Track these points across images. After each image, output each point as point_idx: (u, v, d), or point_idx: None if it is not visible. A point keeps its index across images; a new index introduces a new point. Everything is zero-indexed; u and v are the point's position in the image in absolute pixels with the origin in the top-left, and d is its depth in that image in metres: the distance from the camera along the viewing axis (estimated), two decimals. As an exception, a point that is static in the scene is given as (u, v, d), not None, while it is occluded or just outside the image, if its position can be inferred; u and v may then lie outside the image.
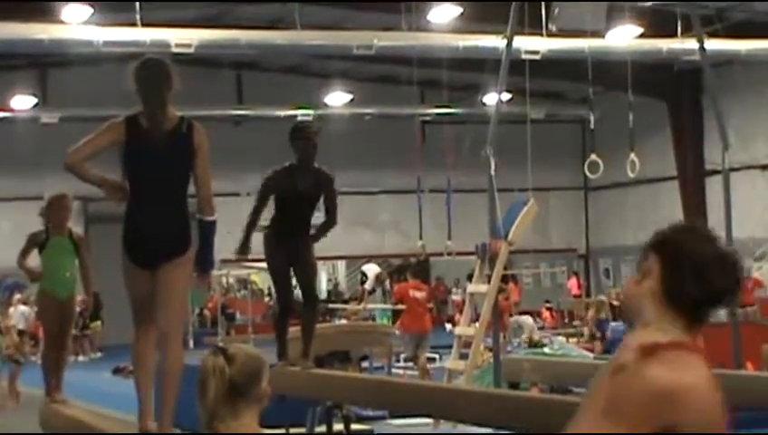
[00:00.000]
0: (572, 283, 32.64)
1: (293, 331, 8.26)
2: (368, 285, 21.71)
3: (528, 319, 21.42)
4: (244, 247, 7.75)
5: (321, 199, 7.89)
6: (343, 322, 19.44)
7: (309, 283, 7.97)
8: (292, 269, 7.88)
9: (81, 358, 23.42)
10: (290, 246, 7.74)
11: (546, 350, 17.07)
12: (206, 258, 5.59)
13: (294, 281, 8.01)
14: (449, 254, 21.47)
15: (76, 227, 21.39)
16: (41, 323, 8.69)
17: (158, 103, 5.39)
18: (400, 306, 16.25)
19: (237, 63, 30.11)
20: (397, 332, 16.14)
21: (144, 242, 5.38)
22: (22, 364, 15.75)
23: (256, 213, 7.84)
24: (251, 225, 7.81)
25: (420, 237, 23.61)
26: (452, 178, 23.35)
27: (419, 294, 15.43)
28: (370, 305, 21.24)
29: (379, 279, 20.26)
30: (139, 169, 5.42)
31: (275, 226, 7.83)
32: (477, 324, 12.68)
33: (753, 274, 23.72)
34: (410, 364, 17.50)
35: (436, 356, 17.70)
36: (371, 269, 24.02)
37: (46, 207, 8.31)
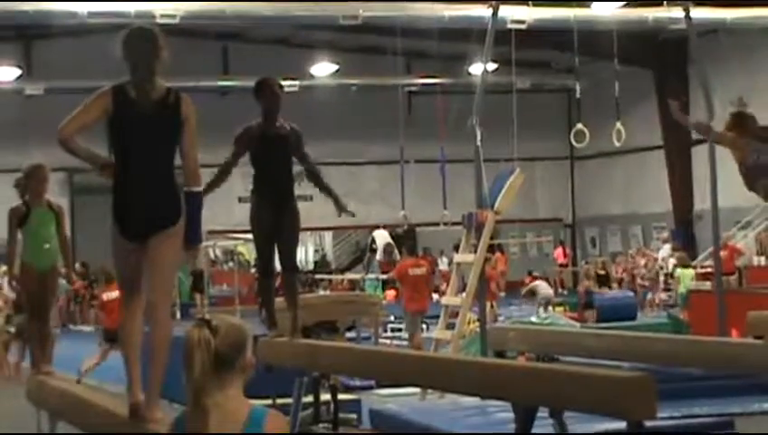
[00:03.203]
0: (558, 252, 32.73)
1: (279, 301, 8.23)
2: (378, 256, 21.59)
3: (543, 284, 21.42)
4: (208, 189, 7.18)
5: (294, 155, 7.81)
6: (324, 292, 19.34)
7: (289, 249, 7.85)
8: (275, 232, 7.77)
9: (86, 328, 23.27)
10: (276, 204, 7.64)
11: (533, 319, 17.15)
12: (195, 231, 5.55)
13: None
14: (445, 223, 21.28)
15: (61, 198, 21.09)
16: (23, 295, 8.65)
17: (146, 73, 5.34)
18: (397, 284, 15.94)
19: (223, 34, 29.99)
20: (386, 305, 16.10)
21: (134, 214, 5.35)
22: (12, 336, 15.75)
23: (225, 165, 7.72)
24: (218, 175, 7.69)
25: (402, 207, 23.58)
26: (438, 148, 23.32)
27: (419, 271, 15.11)
28: (361, 276, 21.24)
29: (386, 251, 20.08)
30: (126, 140, 5.38)
31: (257, 185, 7.76)
32: (464, 294, 12.73)
33: (736, 243, 23.74)
34: (398, 334, 17.55)
35: (424, 326, 17.74)
36: (382, 236, 23.57)
37: (24, 178, 8.24)
